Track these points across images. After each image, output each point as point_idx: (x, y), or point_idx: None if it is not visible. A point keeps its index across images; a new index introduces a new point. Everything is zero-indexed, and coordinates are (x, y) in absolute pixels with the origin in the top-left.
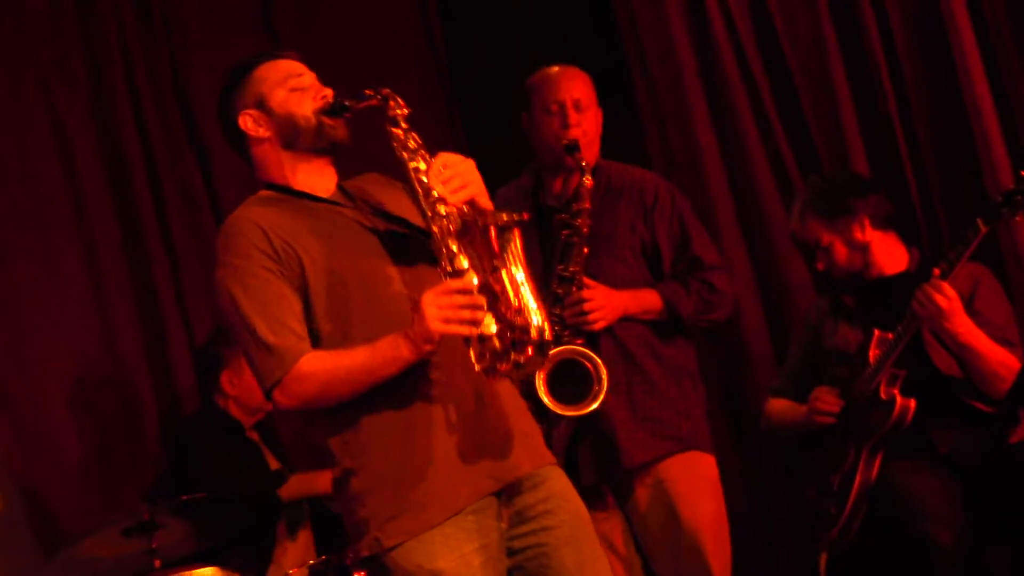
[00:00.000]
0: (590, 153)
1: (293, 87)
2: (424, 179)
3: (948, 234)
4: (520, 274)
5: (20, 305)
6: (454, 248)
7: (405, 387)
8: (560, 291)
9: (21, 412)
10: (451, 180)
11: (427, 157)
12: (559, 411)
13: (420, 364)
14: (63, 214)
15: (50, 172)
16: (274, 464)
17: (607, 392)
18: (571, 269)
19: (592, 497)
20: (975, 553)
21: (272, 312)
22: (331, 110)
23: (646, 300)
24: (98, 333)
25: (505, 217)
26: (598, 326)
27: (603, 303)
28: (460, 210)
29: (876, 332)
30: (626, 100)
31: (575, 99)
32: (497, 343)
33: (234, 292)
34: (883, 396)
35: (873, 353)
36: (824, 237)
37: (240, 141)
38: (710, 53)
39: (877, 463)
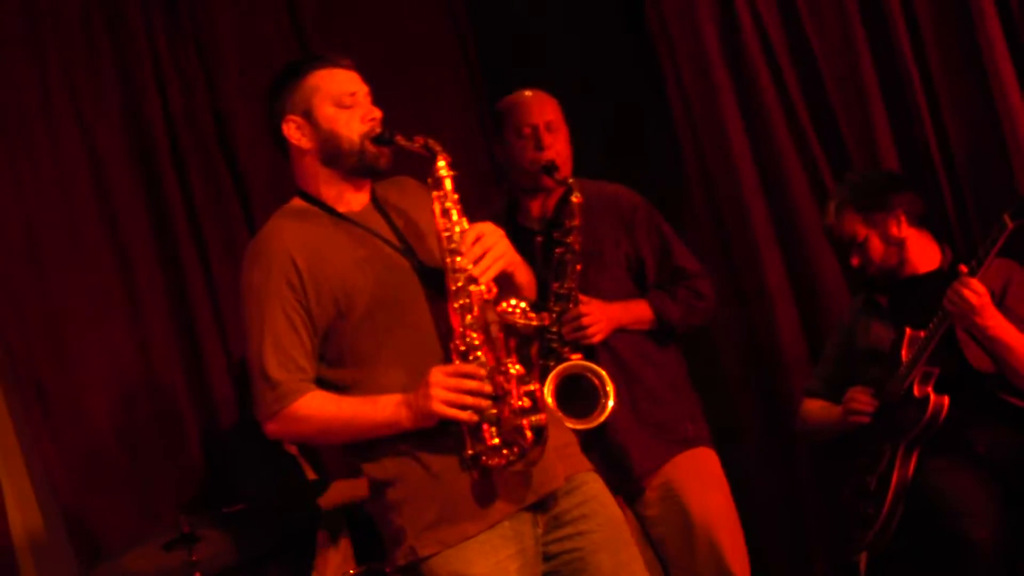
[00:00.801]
0: (564, 173)
1: (342, 103)
2: (453, 247)
3: (979, 232)
4: (529, 374)
5: (58, 319)
6: (470, 322)
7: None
8: (557, 308)
9: (62, 427)
10: (481, 258)
11: (462, 224)
12: (570, 426)
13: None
14: (96, 225)
15: (82, 181)
16: (312, 475)
17: (614, 404)
18: (567, 286)
19: None
20: (1013, 552)
21: (282, 343)
22: (377, 139)
23: (637, 311)
24: (134, 346)
25: (522, 322)
26: (596, 339)
27: (600, 316)
28: (484, 289)
29: (908, 331)
30: (661, 111)
31: (547, 121)
32: (495, 439)
33: (250, 314)
34: (917, 394)
35: (905, 352)
36: (860, 232)
37: (282, 144)
38: (741, 58)
39: (913, 462)
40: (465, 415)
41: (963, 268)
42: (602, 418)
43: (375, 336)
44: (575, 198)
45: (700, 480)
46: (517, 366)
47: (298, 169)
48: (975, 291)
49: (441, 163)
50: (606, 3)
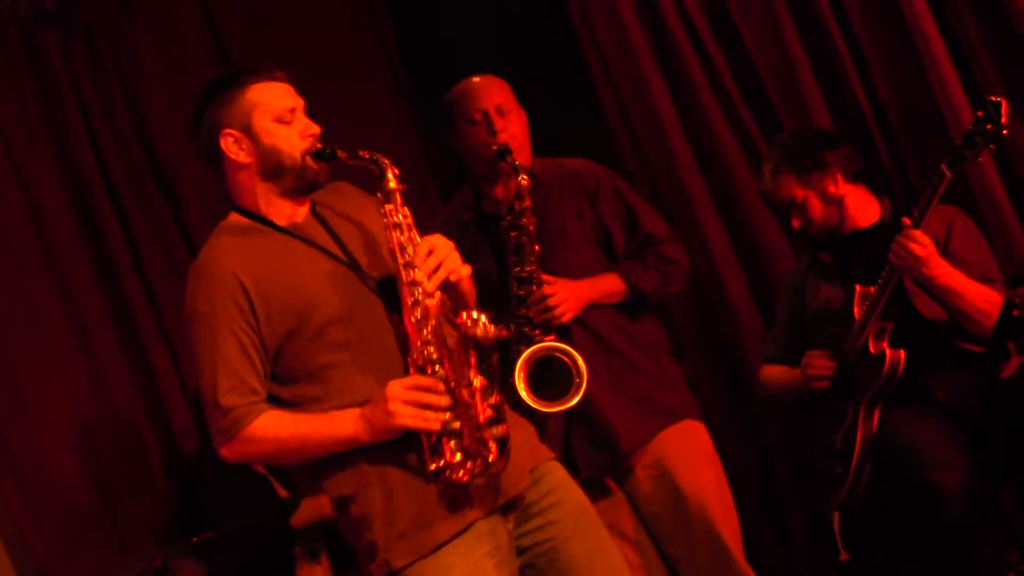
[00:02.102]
0: (523, 154)
1: (283, 119)
2: (407, 260)
3: (918, 182)
4: (490, 386)
5: (9, 369)
6: (427, 336)
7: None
8: (522, 292)
9: (26, 480)
10: (435, 271)
11: (415, 237)
12: (545, 409)
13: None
14: (39, 270)
15: (20, 227)
16: (284, 494)
17: (588, 382)
18: (527, 269)
19: (594, 487)
20: (983, 494)
21: (233, 366)
22: (318, 155)
23: (607, 285)
24: (90, 387)
25: (480, 334)
26: (566, 319)
27: (566, 296)
28: (439, 302)
29: (858, 288)
30: (589, 95)
31: (496, 105)
32: (457, 454)
33: (199, 341)
34: (872, 351)
35: (857, 309)
36: (799, 193)
37: (216, 157)
38: (664, 38)
39: (876, 417)
40: (426, 426)
41: (906, 221)
42: (577, 399)
43: (329, 352)
44: (523, 180)
45: (690, 455)
46: (478, 378)
47: (234, 183)
48: (919, 243)
49: (390, 175)
50: None
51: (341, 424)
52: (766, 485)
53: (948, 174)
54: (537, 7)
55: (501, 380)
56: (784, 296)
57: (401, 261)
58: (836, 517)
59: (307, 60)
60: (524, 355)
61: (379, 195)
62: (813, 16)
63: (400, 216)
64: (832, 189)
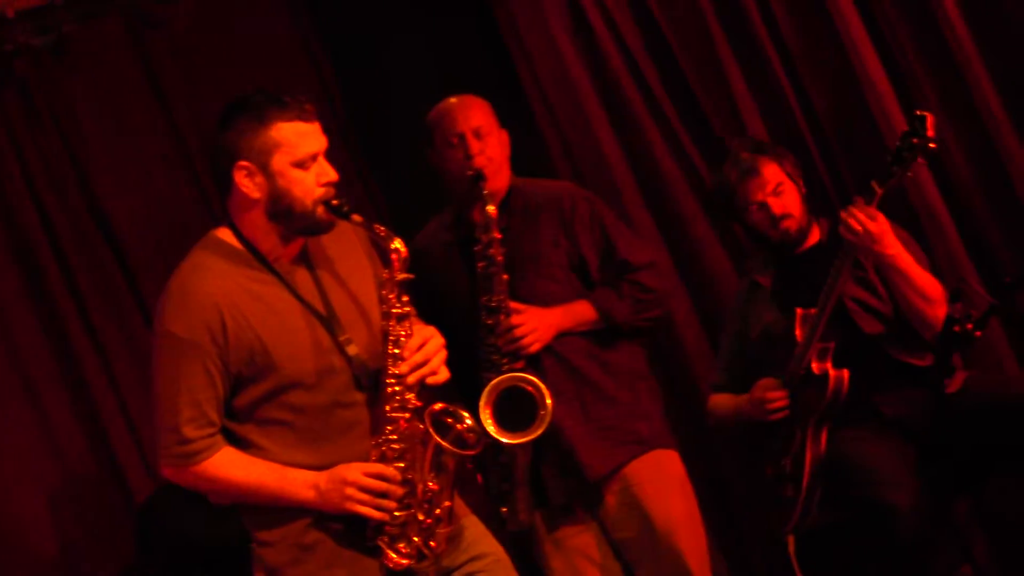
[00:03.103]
0: (500, 177)
1: (302, 164)
2: (396, 352)
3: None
4: (445, 488)
5: None
6: (393, 434)
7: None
8: (490, 322)
9: None
10: (421, 367)
11: (409, 329)
12: (508, 440)
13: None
14: None
15: None
16: None
17: (553, 411)
18: (496, 299)
19: (563, 513)
20: (934, 511)
21: (198, 399)
22: (332, 209)
23: (579, 312)
24: (42, 444)
25: (451, 451)
26: (534, 348)
27: (535, 325)
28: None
29: (798, 311)
30: (524, 113)
31: (474, 128)
32: (400, 544)
33: (167, 364)
34: (816, 372)
35: (799, 332)
36: (780, 177)
37: (225, 183)
38: (595, 50)
39: (824, 438)
40: (373, 514)
41: (858, 198)
42: (540, 430)
43: (282, 410)
44: (490, 210)
45: (660, 483)
46: (434, 480)
47: (237, 210)
48: (875, 218)
49: (397, 263)
50: (458, 12)
51: (294, 486)
52: (721, 510)
53: (879, 190)
54: (471, 32)
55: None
56: (728, 323)
57: (390, 351)
58: (791, 540)
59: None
60: (490, 385)
61: (385, 276)
62: (745, 31)
63: (399, 307)
64: (797, 173)
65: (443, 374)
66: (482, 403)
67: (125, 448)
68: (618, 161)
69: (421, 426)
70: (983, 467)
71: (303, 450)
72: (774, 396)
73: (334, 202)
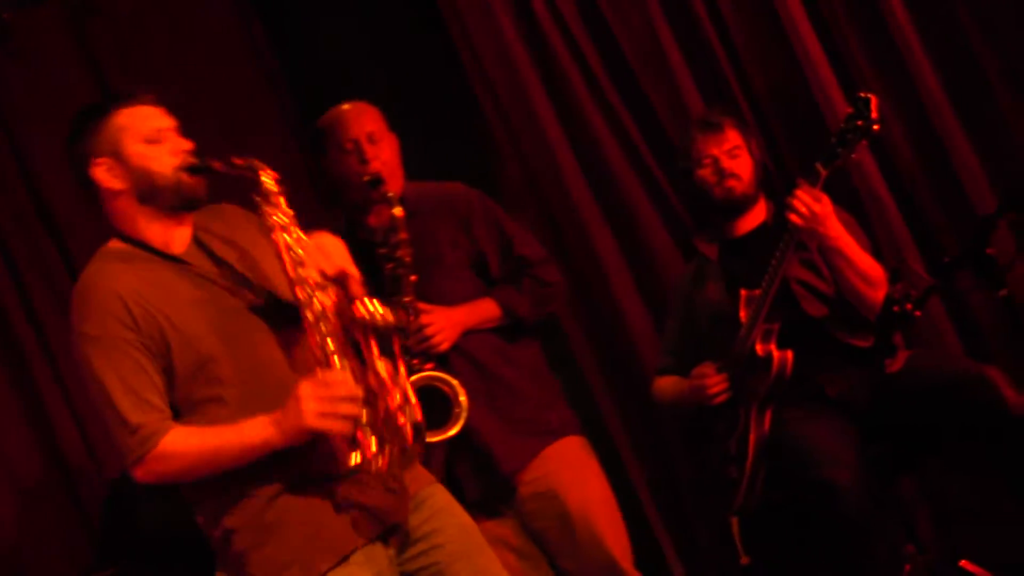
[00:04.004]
0: (395, 181)
1: (152, 139)
2: (297, 256)
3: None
4: (394, 370)
5: None
6: (328, 340)
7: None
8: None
9: None
10: (326, 267)
11: (299, 236)
12: (428, 439)
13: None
14: None
15: None
16: None
17: (468, 410)
18: (405, 300)
19: (481, 507)
20: (876, 490)
21: (133, 387)
22: (192, 169)
23: (484, 310)
24: None
25: (380, 321)
26: (444, 347)
27: (444, 324)
28: (334, 298)
29: (743, 292)
30: (473, 114)
31: (368, 133)
32: (372, 444)
33: (93, 364)
34: (760, 353)
35: (743, 313)
36: (739, 140)
37: (92, 188)
38: (538, 36)
39: (768, 419)
40: (340, 425)
41: (801, 181)
42: (457, 427)
43: (209, 387)
44: (397, 211)
45: (572, 469)
46: (383, 364)
47: (112, 211)
48: (818, 199)
49: (266, 179)
50: (406, 8)
51: (251, 431)
52: (668, 492)
53: (823, 172)
54: (417, 23)
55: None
56: (672, 305)
57: (289, 260)
58: (735, 521)
59: (188, 87)
60: None
61: (258, 199)
62: (691, 23)
63: (282, 216)
64: (757, 153)
65: (353, 268)
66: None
67: (69, 437)
68: (562, 146)
69: (346, 318)
70: (925, 446)
71: (244, 417)
72: (713, 381)
73: (192, 162)
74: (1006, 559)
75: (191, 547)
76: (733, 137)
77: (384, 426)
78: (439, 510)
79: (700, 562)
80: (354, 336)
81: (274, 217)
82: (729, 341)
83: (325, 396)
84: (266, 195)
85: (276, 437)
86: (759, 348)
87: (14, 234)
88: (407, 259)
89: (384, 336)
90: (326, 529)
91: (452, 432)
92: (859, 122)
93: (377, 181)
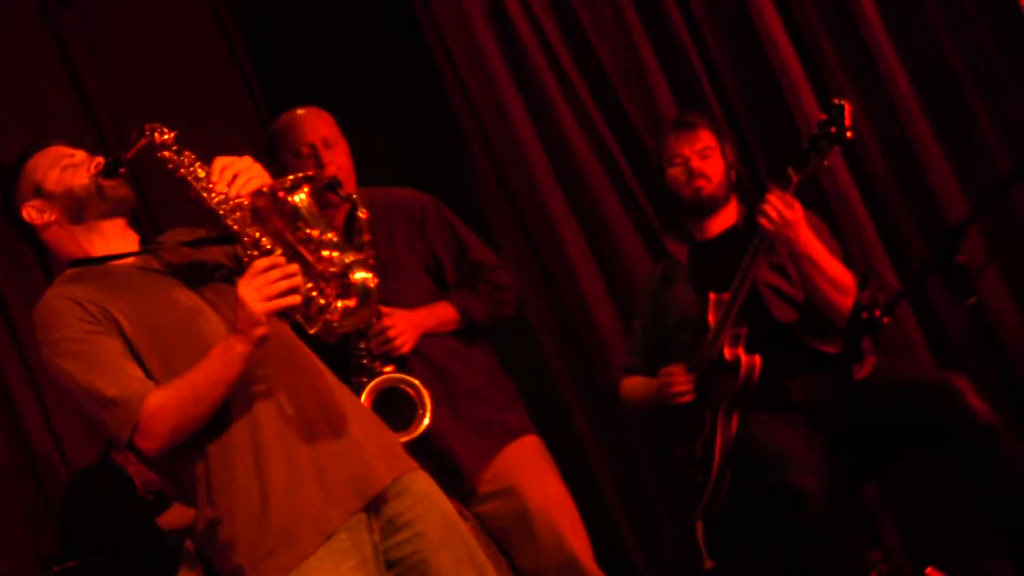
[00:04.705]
0: (349, 184)
1: (65, 165)
2: (209, 186)
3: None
4: (322, 230)
5: None
6: (255, 234)
7: (250, 422)
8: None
9: None
10: (236, 179)
11: (205, 166)
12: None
13: (261, 396)
14: None
15: None
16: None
17: (431, 408)
18: None
19: None
20: (842, 495)
21: (106, 365)
22: (105, 171)
23: (441, 314)
24: None
25: (291, 178)
26: (405, 349)
27: (405, 327)
28: (249, 202)
29: (712, 295)
30: (446, 115)
31: (323, 137)
32: (321, 300)
33: (64, 364)
34: (728, 357)
35: (712, 316)
36: (711, 142)
37: (31, 236)
38: (511, 34)
39: (734, 423)
40: (288, 300)
41: (772, 185)
42: (420, 429)
43: (174, 353)
44: (361, 213)
45: (531, 468)
46: (311, 229)
47: (55, 245)
48: (790, 205)
49: (159, 135)
50: (380, 10)
51: (217, 352)
52: (638, 496)
53: (795, 177)
54: (392, 28)
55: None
56: (640, 306)
57: (199, 188)
58: (699, 525)
59: (160, 81)
60: (368, 387)
61: (159, 152)
62: (663, 22)
63: (183, 156)
64: (731, 157)
65: (259, 175)
66: (362, 400)
67: (41, 440)
68: (535, 149)
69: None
70: (891, 451)
71: None
72: (679, 380)
73: (103, 163)
74: (971, 566)
75: (149, 555)
76: (705, 138)
77: (330, 286)
78: (422, 497)
79: (665, 565)
80: (278, 225)
81: (176, 162)
82: (696, 344)
83: (260, 282)
84: (163, 145)
85: (239, 343)
86: (727, 352)
87: None
88: (371, 261)
89: (300, 202)
90: (308, 509)
91: (416, 434)
92: (832, 128)
93: (336, 183)
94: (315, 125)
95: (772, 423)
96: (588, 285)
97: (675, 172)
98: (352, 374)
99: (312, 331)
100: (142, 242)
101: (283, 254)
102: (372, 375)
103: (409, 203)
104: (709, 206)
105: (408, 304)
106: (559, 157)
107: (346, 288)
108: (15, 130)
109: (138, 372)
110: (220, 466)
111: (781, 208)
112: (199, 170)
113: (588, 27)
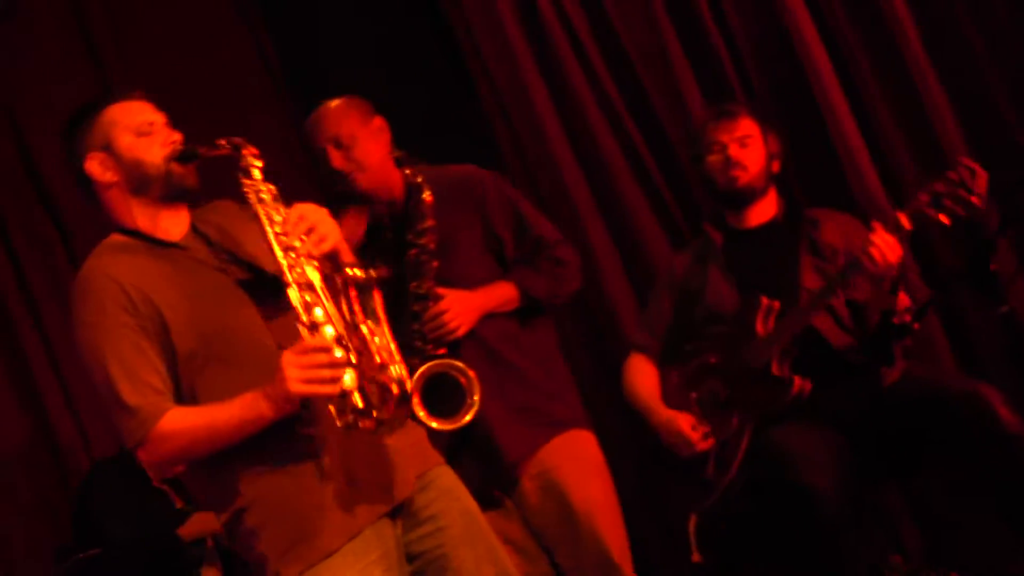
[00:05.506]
0: (372, 175)
1: (141, 131)
2: (279, 231)
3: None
4: (380, 329)
5: None
6: (311, 300)
7: (285, 418)
8: (417, 308)
9: None
10: (310, 234)
11: (282, 208)
12: (436, 426)
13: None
14: None
15: None
16: (179, 504)
17: (481, 400)
18: (425, 286)
19: (483, 499)
20: (861, 497)
21: (132, 368)
22: (181, 157)
23: (501, 293)
24: None
25: (362, 275)
26: (460, 332)
27: (460, 309)
28: (318, 264)
29: (764, 301)
30: (472, 101)
31: (334, 138)
32: (359, 401)
33: (93, 350)
34: (776, 373)
35: (760, 323)
36: (750, 130)
37: (87, 184)
38: (540, 28)
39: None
40: (324, 389)
41: (877, 224)
42: (468, 417)
43: (207, 369)
44: (427, 197)
45: (577, 466)
46: (367, 324)
47: (109, 205)
48: (895, 250)
49: (247, 155)
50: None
51: (243, 406)
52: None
53: (907, 227)
54: (416, 12)
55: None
56: (662, 285)
57: (273, 231)
58: (694, 517)
59: (185, 70)
60: (419, 371)
61: (241, 176)
62: (693, 18)
63: (264, 191)
64: (773, 146)
65: (333, 236)
66: (411, 387)
67: (60, 416)
68: (559, 137)
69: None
70: (915, 457)
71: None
72: (696, 438)
73: (180, 150)
74: (992, 570)
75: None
76: (745, 126)
77: (369, 385)
78: (445, 492)
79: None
80: (340, 300)
81: (256, 192)
82: (734, 344)
83: (306, 363)
84: (247, 171)
85: (267, 408)
86: (775, 367)
87: (12, 211)
88: (431, 246)
89: (367, 295)
90: (336, 507)
91: (463, 422)
92: (961, 191)
93: (402, 161)
94: (326, 126)
95: (791, 423)
96: (610, 278)
97: (713, 159)
98: (404, 357)
99: (339, 424)
100: (194, 229)
101: (334, 335)
102: (424, 358)
103: (470, 180)
104: (746, 196)
105: (468, 284)
106: (584, 148)
107: (384, 395)
108: (41, 117)
109: (160, 383)
110: (252, 457)
111: (887, 253)
112: (276, 210)
113: (614, 15)
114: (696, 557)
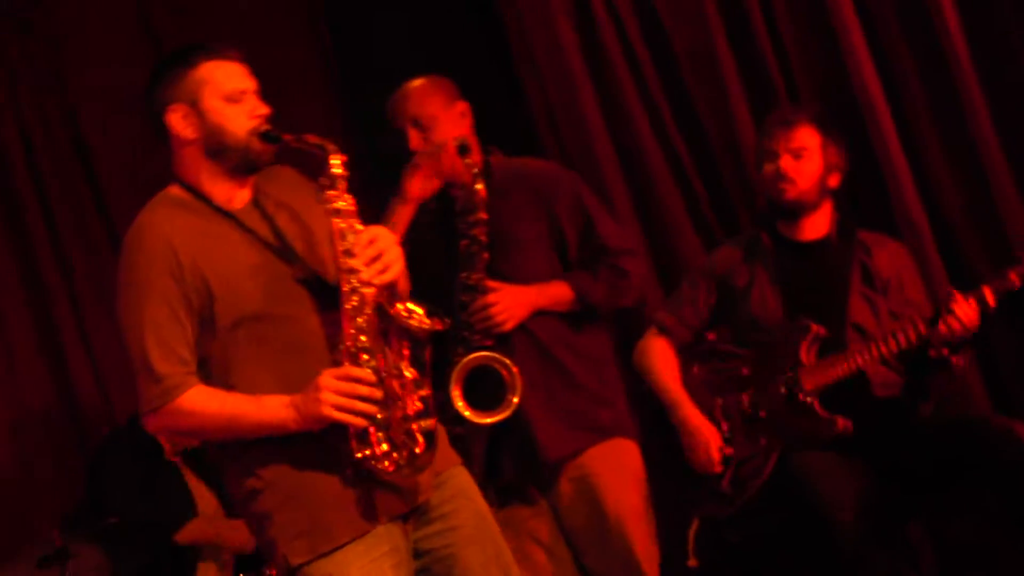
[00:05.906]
0: (451, 159)
1: (232, 97)
2: (350, 251)
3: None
4: (421, 380)
5: None
6: (362, 335)
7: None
8: (466, 299)
9: None
10: (375, 261)
11: (356, 224)
12: (474, 419)
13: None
14: None
15: None
16: (197, 487)
17: (523, 394)
18: (474, 277)
19: (517, 494)
20: (884, 527)
21: (166, 337)
22: (264, 136)
23: (556, 292)
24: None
25: (415, 326)
26: (507, 327)
27: (509, 303)
28: (376, 291)
29: (813, 328)
30: (516, 94)
31: (413, 118)
32: (383, 445)
33: (133, 310)
34: (819, 412)
35: (804, 351)
36: (814, 149)
37: (163, 132)
38: (590, 27)
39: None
40: (354, 420)
41: (957, 294)
42: (507, 413)
43: (242, 347)
44: (480, 190)
45: (616, 475)
46: (410, 371)
47: (179, 158)
48: (974, 321)
49: (335, 161)
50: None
51: (269, 409)
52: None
53: (991, 302)
54: (468, 8)
55: (434, 378)
56: (703, 275)
57: (341, 248)
58: (696, 522)
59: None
60: (462, 362)
61: (323, 180)
62: (745, 26)
63: (342, 203)
64: (834, 158)
65: (399, 265)
66: (452, 377)
67: (84, 381)
68: (601, 137)
69: (383, 318)
70: (939, 488)
71: (265, 386)
72: (718, 459)
73: (266, 128)
74: None
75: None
76: (802, 136)
77: (397, 430)
78: (459, 492)
79: None
80: (389, 336)
81: (336, 202)
82: (775, 366)
83: (345, 390)
84: (333, 179)
85: (292, 419)
86: (819, 406)
87: (50, 174)
88: (482, 238)
89: (418, 343)
90: (351, 502)
91: (502, 417)
92: None
93: (465, 148)
94: (408, 106)
95: (817, 452)
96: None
97: (767, 169)
98: (450, 345)
99: (356, 456)
100: (255, 202)
101: (375, 370)
102: (470, 349)
103: (543, 175)
104: (794, 210)
105: (526, 279)
106: (628, 153)
107: (408, 442)
108: (90, 88)
109: (190, 355)
110: (277, 441)
111: (966, 323)
112: (351, 226)
113: (664, 14)
114: (692, 562)
